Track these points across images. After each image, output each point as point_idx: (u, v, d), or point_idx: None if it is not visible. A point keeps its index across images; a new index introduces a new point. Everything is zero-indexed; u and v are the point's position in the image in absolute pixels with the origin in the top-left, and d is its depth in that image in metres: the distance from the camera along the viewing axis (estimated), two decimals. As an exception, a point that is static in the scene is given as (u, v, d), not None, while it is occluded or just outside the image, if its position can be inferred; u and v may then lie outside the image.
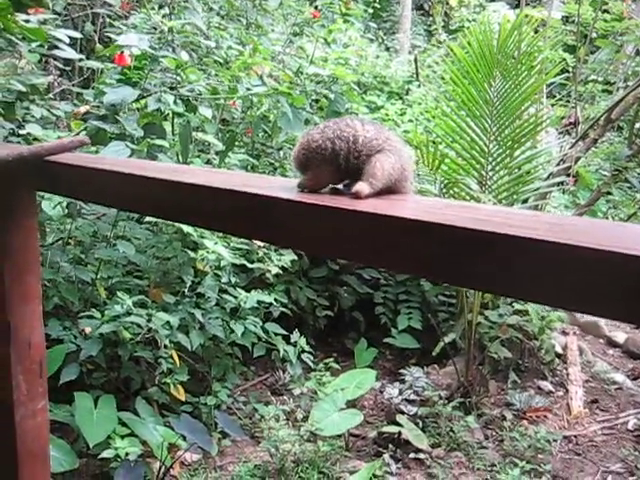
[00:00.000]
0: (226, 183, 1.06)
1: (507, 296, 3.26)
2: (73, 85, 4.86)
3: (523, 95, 3.82)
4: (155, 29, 3.94)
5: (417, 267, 0.82)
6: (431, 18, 10.51)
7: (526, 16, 4.12)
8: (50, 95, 4.78)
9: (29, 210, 1.42)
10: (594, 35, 6.79)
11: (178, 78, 3.04)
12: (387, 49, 9.18)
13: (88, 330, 3.50)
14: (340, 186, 1.09)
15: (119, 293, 3.47)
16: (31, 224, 1.45)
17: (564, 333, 5.36)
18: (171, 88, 3.01)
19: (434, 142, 4.29)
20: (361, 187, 1.00)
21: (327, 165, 1.06)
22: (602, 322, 5.60)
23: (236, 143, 4.40)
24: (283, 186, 1.07)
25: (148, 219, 3.92)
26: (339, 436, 3.81)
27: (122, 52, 2.82)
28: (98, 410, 3.32)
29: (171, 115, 3.62)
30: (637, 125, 5.56)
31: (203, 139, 3.57)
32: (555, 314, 4.73)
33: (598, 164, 6.55)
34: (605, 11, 6.94)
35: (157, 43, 3.08)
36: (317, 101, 4.52)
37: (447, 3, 9.64)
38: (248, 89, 3.05)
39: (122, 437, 3.27)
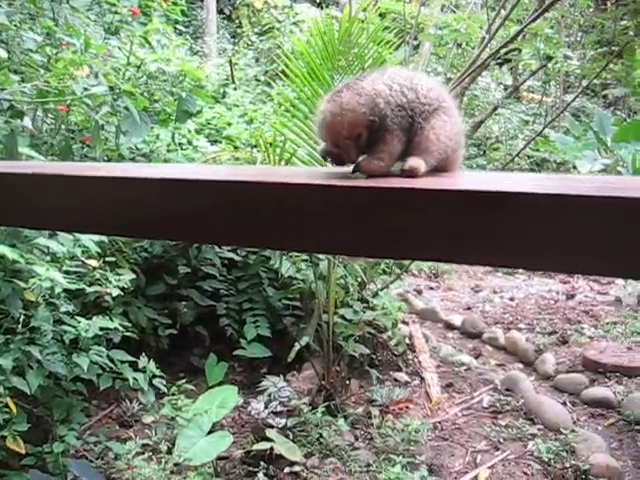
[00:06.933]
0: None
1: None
2: None
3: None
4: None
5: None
6: (237, 21, 10.40)
7: (355, 19, 4.14)
8: None
9: None
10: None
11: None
12: (195, 53, 8.90)
13: None
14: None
15: None
16: None
17: (404, 322, 5.51)
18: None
19: (273, 142, 4.15)
20: (417, 163, 0.73)
21: (402, 132, 0.76)
22: (437, 307, 5.86)
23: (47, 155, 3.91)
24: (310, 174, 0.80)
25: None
26: (205, 463, 3.53)
27: None
28: None
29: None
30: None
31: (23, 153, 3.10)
32: (396, 304, 4.82)
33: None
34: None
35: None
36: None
37: (253, 6, 9.58)
38: (86, 89, 2.64)
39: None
